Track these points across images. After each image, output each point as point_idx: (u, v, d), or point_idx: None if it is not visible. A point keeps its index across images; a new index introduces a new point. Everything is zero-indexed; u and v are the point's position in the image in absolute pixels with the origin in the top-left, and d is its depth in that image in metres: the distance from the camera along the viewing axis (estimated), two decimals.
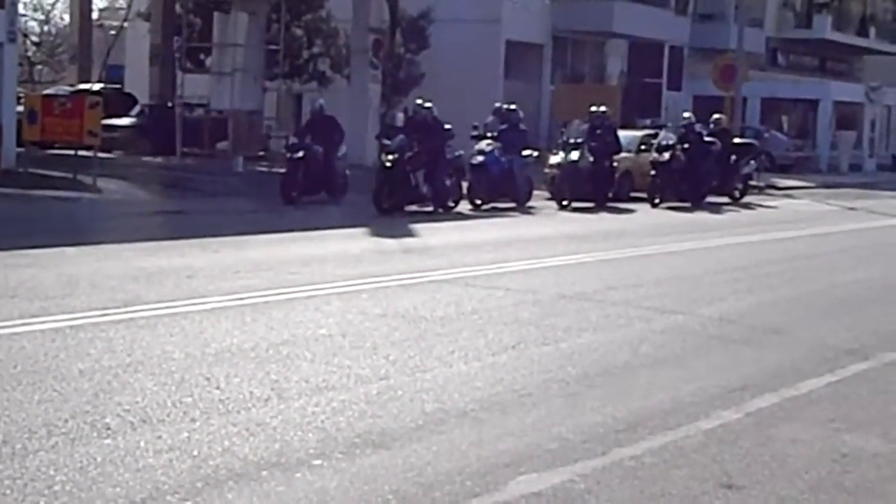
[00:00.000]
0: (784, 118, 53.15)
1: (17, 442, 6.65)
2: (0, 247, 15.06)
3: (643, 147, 30.07)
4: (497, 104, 29.10)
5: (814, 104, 53.92)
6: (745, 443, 7.63)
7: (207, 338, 10.00)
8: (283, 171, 25.53)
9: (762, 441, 7.69)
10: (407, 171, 23.47)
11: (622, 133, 29.56)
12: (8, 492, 5.81)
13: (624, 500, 6.31)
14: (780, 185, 38.18)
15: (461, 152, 25.40)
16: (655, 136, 31.04)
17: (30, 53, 53.41)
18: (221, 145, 34.55)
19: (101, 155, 26.60)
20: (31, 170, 25.77)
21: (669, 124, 34.29)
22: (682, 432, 7.74)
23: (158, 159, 33.49)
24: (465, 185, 25.22)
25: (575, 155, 26.74)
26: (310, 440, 7.09)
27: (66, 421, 7.11)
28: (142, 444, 6.85)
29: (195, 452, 6.74)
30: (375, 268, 14.93)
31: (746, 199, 31.33)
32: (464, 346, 10.10)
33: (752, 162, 33.56)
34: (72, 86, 37.58)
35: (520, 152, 26.28)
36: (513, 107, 28.24)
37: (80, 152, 25.39)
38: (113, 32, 53.58)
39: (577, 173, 26.60)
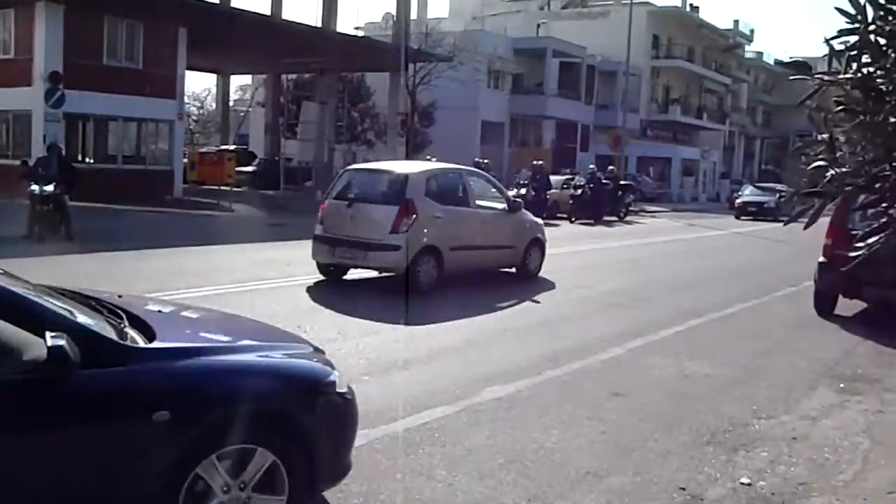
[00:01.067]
0: (651, 168, 53.03)
1: None
2: (173, 245, 15.11)
3: (565, 186, 29.96)
4: (476, 159, 29.02)
5: (669, 160, 53.85)
6: (625, 367, 7.65)
7: (298, 301, 10.02)
8: None
9: (636, 366, 7.71)
10: None
11: (552, 177, 29.49)
12: None
13: (552, 403, 6.33)
14: (648, 209, 38.08)
15: None
16: (572, 179, 31.00)
17: (191, 127, 53.23)
18: (308, 183, 34.44)
19: (234, 189, 26.59)
20: (191, 198, 25.80)
21: (580, 172, 34.21)
22: (588, 361, 7.77)
23: (269, 192, 33.41)
24: None
25: (523, 191, 26.67)
26: (361, 364, 7.10)
27: None
28: None
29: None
30: None
31: (628, 218, 31.29)
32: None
33: (631, 195, 33.54)
34: (216, 147, 37.48)
35: None
36: (486, 161, 28.24)
37: (221, 187, 25.40)
38: (242, 114, 53.48)
39: (524, 202, 26.53)
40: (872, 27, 3.60)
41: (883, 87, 3.60)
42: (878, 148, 3.69)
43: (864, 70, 3.66)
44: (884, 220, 3.84)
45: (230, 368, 3.68)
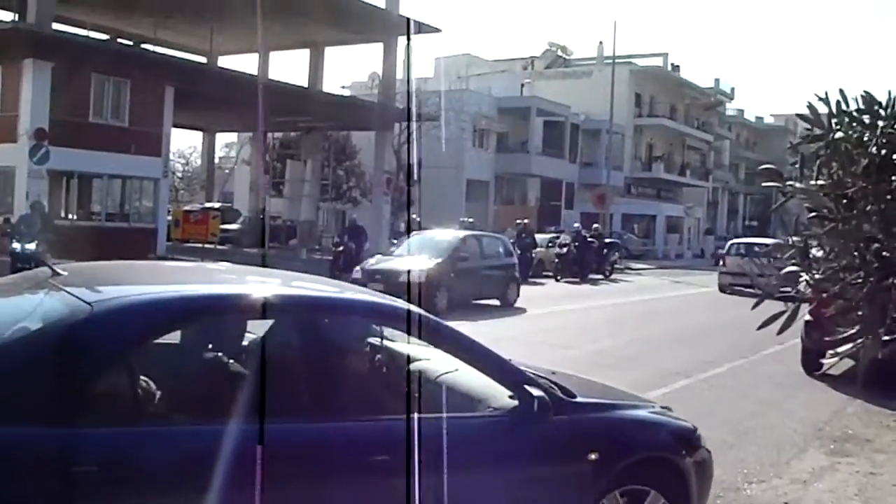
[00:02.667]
0: (636, 226, 53.29)
1: None
2: None
3: (550, 244, 30.09)
4: (462, 218, 29.14)
5: (653, 217, 54.15)
6: None
7: None
8: (330, 258, 25.44)
9: None
10: None
11: (538, 236, 29.59)
12: None
13: None
14: (634, 267, 38.19)
15: None
16: (558, 237, 31.14)
17: (176, 183, 53.29)
18: (292, 242, 34.49)
19: (218, 247, 26.54)
20: (175, 256, 25.67)
21: (565, 230, 34.41)
22: None
23: (254, 250, 33.36)
24: None
25: None
26: None
27: None
28: None
29: None
30: None
31: (613, 276, 31.37)
32: None
33: (617, 253, 33.70)
34: (201, 204, 37.53)
35: None
36: (471, 220, 28.34)
37: (206, 246, 25.28)
38: (227, 171, 53.65)
39: None
40: (840, 134, 3.62)
41: (853, 193, 3.59)
42: (850, 254, 3.68)
43: (835, 176, 3.66)
44: (857, 327, 3.80)
45: (634, 421, 4.51)
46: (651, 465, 4.34)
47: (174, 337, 3.86)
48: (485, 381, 4.00)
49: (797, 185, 3.75)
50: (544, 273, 28.71)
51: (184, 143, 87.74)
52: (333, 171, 37.21)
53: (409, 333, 4.03)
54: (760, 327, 4.03)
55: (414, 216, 26.40)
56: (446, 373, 4.26)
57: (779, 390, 9.97)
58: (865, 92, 3.57)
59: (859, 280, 3.65)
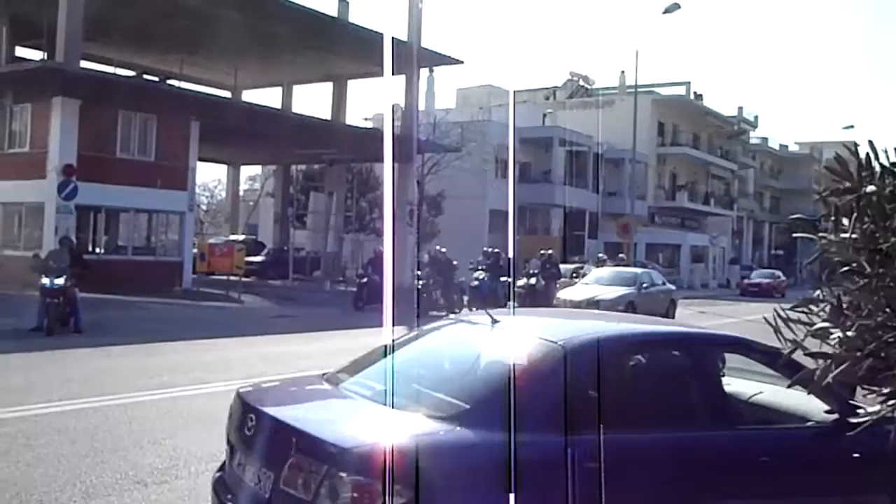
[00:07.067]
0: (660, 255, 52.98)
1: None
2: (183, 338, 15.10)
3: (574, 274, 30.05)
4: (485, 248, 29.06)
5: (678, 247, 53.88)
6: None
7: None
8: (354, 289, 25.51)
9: None
10: (430, 290, 23.54)
11: (562, 266, 29.51)
12: None
13: None
14: None
15: (463, 279, 25.43)
16: (582, 267, 31.09)
17: (201, 216, 53.81)
18: (316, 274, 34.67)
19: (243, 280, 26.69)
20: (200, 289, 25.90)
21: (589, 260, 34.34)
22: None
23: (278, 282, 33.54)
24: (465, 298, 25.19)
25: (533, 280, 26.72)
26: None
27: None
28: None
29: None
30: None
31: None
32: None
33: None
34: (226, 237, 37.83)
35: (499, 278, 26.28)
36: (495, 250, 28.29)
37: (231, 278, 25.43)
38: (252, 204, 54.14)
39: (534, 291, 26.58)
40: (872, 188, 3.55)
41: (888, 249, 3.48)
42: (884, 312, 3.58)
43: (867, 230, 3.55)
44: (889, 388, 3.71)
45: None
46: None
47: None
48: (798, 398, 4.64)
49: (830, 237, 3.68)
50: None
51: (209, 176, 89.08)
52: (357, 203, 37.46)
53: (754, 360, 4.87)
54: (790, 385, 4.12)
55: (437, 248, 26.42)
56: (758, 393, 5.14)
57: None
58: None
59: (893, 339, 3.56)
